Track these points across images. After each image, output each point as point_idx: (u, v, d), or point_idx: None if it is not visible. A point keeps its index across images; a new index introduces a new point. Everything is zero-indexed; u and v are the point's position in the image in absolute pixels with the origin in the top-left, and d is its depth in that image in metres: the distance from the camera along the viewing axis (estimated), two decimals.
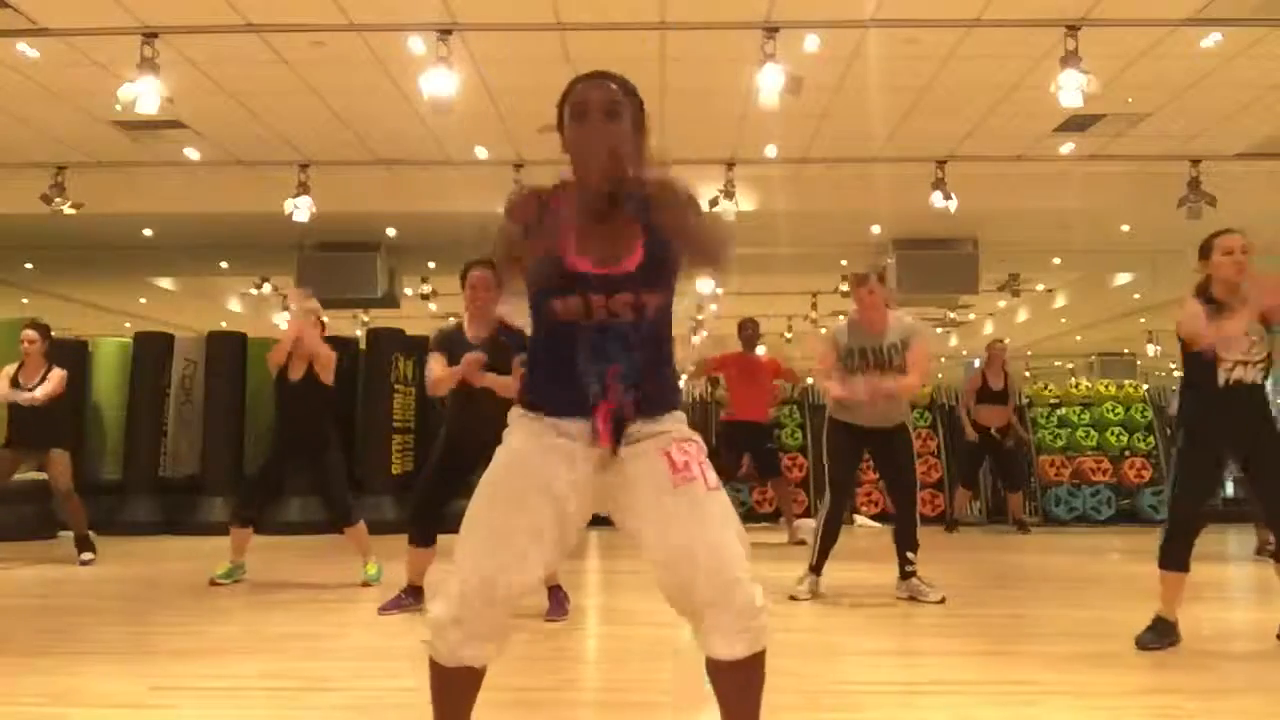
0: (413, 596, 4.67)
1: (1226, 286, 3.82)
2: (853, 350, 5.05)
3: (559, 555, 2.06)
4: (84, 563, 6.55)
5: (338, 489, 5.78)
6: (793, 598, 5.06)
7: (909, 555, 5.06)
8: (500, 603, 1.96)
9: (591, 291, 1.99)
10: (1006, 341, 10.34)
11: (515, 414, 2.10)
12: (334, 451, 5.82)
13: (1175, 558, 3.87)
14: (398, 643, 4.00)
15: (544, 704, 3.13)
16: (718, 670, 1.96)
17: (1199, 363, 3.87)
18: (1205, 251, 3.92)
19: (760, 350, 8.41)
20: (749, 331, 8.24)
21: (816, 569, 5.17)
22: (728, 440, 8.44)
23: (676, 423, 2.07)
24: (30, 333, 6.69)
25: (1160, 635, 3.86)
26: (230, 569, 5.61)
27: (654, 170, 2.04)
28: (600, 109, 2.02)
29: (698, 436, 2.09)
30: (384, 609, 4.67)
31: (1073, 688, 3.27)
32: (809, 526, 9.76)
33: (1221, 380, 3.80)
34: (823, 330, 5.41)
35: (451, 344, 4.47)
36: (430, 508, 4.58)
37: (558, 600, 4.59)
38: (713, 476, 2.02)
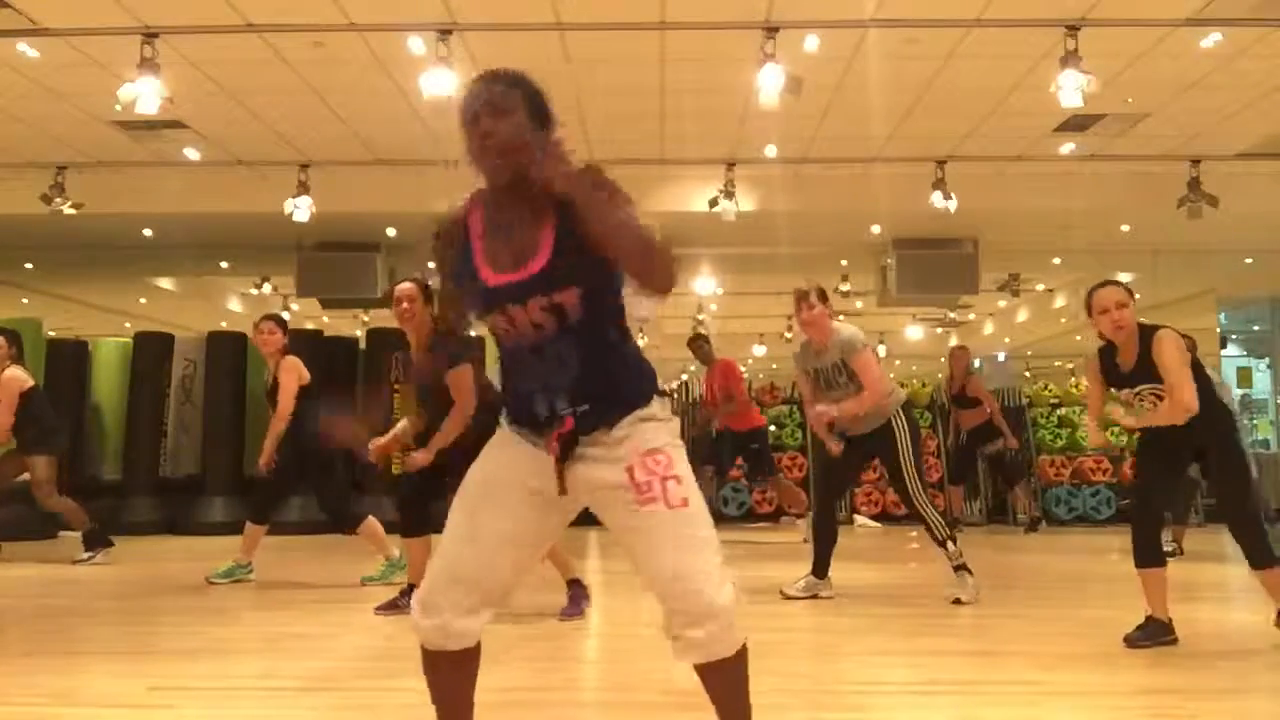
0: (409, 597, 4.68)
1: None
2: (807, 371, 5.07)
3: (537, 540, 2.09)
4: (82, 561, 6.57)
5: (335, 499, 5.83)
6: (783, 593, 5.06)
7: (948, 547, 5.01)
8: (463, 580, 2.00)
9: (508, 303, 1.95)
10: (969, 347, 10.34)
11: (502, 424, 2.12)
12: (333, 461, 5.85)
13: (1147, 554, 3.91)
14: (398, 643, 4.00)
15: (544, 704, 3.13)
16: (700, 673, 2.00)
17: None
18: (1089, 309, 3.92)
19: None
20: (703, 348, 8.35)
21: (815, 571, 5.17)
22: (717, 451, 8.60)
23: (641, 423, 1.98)
24: None
25: (1150, 634, 3.86)
26: (232, 567, 5.62)
27: (558, 164, 1.91)
28: (485, 108, 1.97)
29: (668, 434, 2.01)
30: (380, 609, 4.68)
31: (1073, 688, 3.27)
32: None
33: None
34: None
35: (403, 365, 4.59)
36: (415, 503, 4.67)
37: (575, 598, 4.59)
38: (676, 492, 1.93)
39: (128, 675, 3.46)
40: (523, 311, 1.93)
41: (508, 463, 2.04)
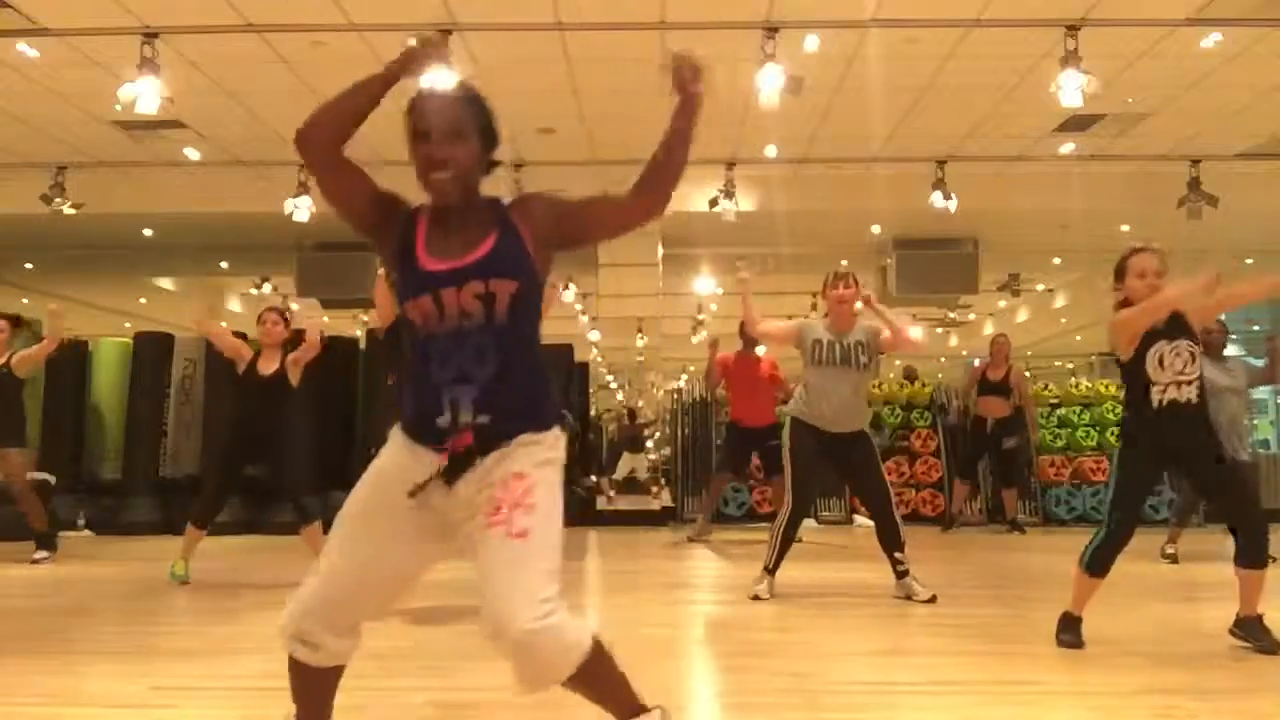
0: None
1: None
2: (806, 338, 5.10)
3: (421, 561, 2.11)
4: (35, 560, 6.55)
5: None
6: (755, 597, 5.05)
7: (897, 556, 5.07)
8: (342, 604, 2.06)
9: (442, 288, 1.98)
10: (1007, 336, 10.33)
11: (393, 434, 2.12)
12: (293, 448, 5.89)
13: (1103, 563, 3.94)
14: (398, 643, 3.99)
15: (544, 704, 3.11)
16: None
17: (1135, 382, 3.89)
18: (1120, 274, 3.94)
19: (760, 350, 8.40)
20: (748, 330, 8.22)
21: (772, 570, 5.12)
22: (736, 444, 8.40)
23: (522, 446, 2.00)
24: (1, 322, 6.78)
25: (1078, 633, 3.90)
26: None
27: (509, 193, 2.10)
28: (443, 131, 2.04)
29: (543, 458, 2.01)
30: None
31: (1073, 688, 3.27)
32: (809, 525, 9.79)
33: (1155, 402, 3.80)
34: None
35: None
36: None
37: None
38: (520, 522, 1.91)
39: (128, 675, 3.46)
40: (455, 295, 1.97)
41: (391, 483, 2.03)
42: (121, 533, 8.66)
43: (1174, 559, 6.74)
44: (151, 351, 9.70)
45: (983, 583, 6.05)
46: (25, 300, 14.70)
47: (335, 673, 2.16)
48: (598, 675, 1.97)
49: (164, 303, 16.20)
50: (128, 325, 15.72)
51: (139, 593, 5.67)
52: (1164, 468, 4.02)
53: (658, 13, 6.86)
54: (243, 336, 10.00)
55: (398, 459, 2.06)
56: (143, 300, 16.21)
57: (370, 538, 2.02)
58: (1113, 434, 10.45)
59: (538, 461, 1.99)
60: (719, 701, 3.33)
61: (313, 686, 2.17)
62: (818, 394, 5.08)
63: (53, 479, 8.30)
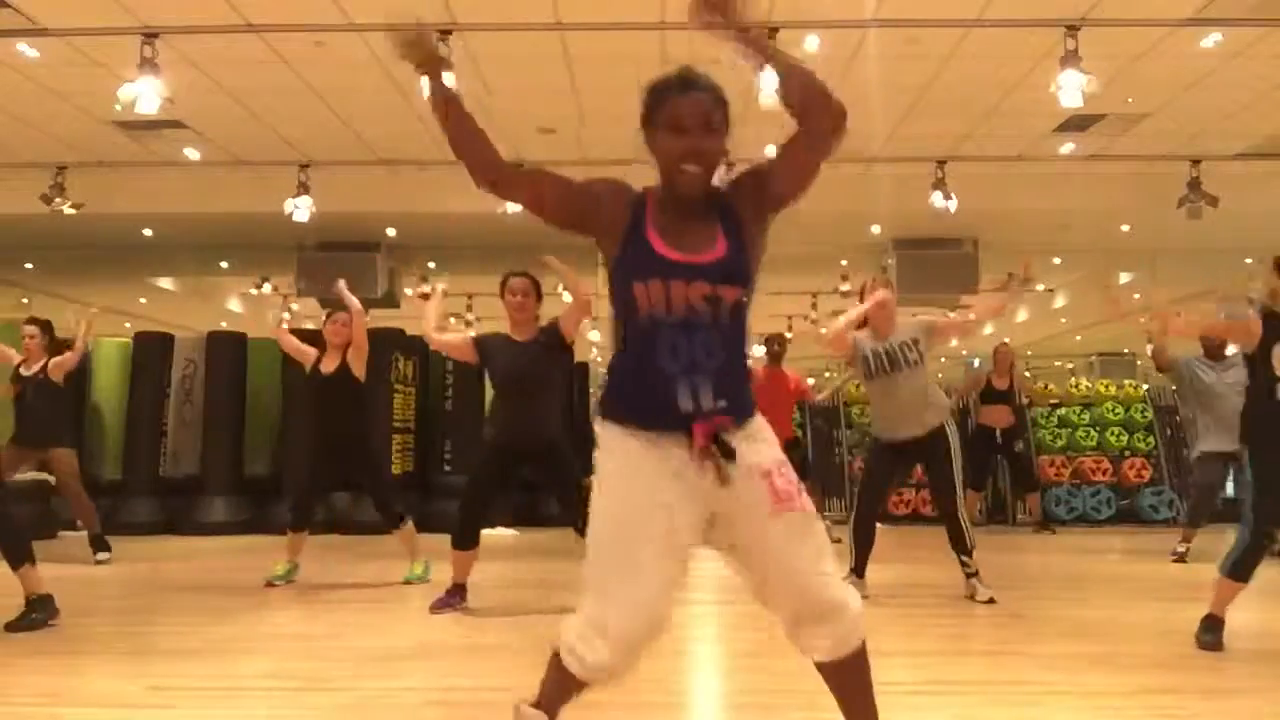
0: (459, 595, 4.75)
1: None
2: (863, 355, 5.09)
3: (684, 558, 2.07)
4: (99, 561, 6.66)
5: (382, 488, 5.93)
6: None
7: (964, 559, 5.11)
8: (646, 637, 2.02)
9: (674, 279, 1.99)
10: (1008, 341, 10.35)
11: (601, 426, 2.10)
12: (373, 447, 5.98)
13: (1249, 569, 3.81)
14: (398, 643, 4.00)
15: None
16: (828, 671, 2.09)
17: (1259, 371, 3.84)
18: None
19: (759, 350, 8.40)
20: (776, 347, 8.24)
21: (858, 571, 5.16)
22: None
23: (762, 430, 2.10)
24: (30, 328, 6.82)
25: (1219, 635, 3.81)
26: (289, 569, 5.65)
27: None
28: (709, 122, 2.11)
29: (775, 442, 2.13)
30: (435, 607, 4.69)
31: (1074, 688, 3.27)
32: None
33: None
34: (822, 330, 5.45)
35: (491, 348, 4.65)
36: (477, 512, 4.75)
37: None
38: (809, 502, 2.05)
39: (128, 675, 3.46)
40: (684, 289, 1.99)
41: (646, 489, 2.00)
42: (121, 533, 8.64)
43: (1182, 558, 6.73)
44: (151, 351, 9.71)
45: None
46: (25, 300, 14.71)
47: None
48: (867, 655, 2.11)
49: (164, 303, 16.20)
50: (128, 325, 15.73)
51: (139, 593, 5.67)
52: None
53: (658, 13, 6.86)
54: (243, 337, 10.10)
55: (635, 459, 2.02)
56: (143, 300, 16.20)
57: (651, 553, 1.98)
58: (1113, 434, 10.46)
59: (777, 448, 2.10)
60: (719, 701, 3.33)
61: (571, 691, 2.15)
62: (876, 406, 5.21)
63: (53, 479, 8.31)
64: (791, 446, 8.32)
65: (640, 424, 2.03)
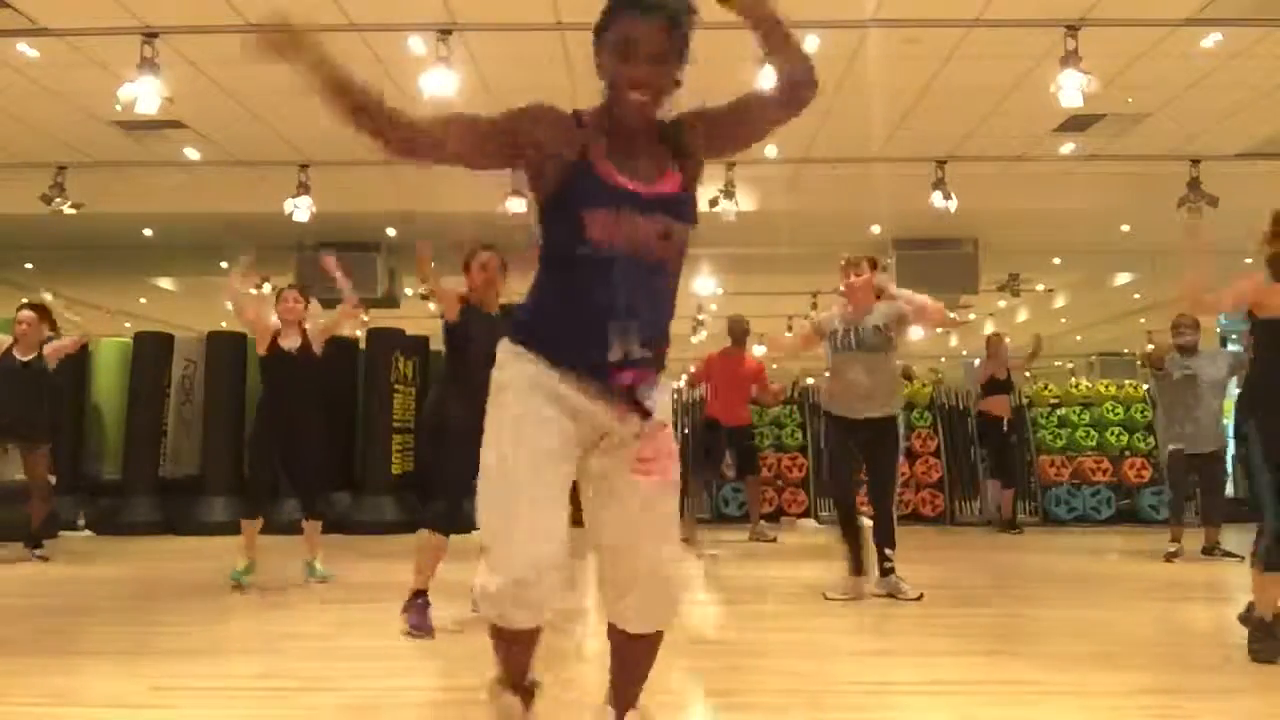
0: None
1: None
2: (822, 331, 5.16)
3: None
4: (39, 557, 6.64)
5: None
6: (825, 595, 5.06)
7: (887, 552, 5.07)
8: (545, 578, 1.93)
9: (628, 208, 1.91)
10: (1007, 338, 10.36)
11: (510, 350, 2.00)
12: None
13: None
14: (398, 643, 3.99)
15: (544, 704, 3.12)
16: (621, 640, 2.11)
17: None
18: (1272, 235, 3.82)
19: (759, 350, 8.41)
20: (739, 329, 8.25)
21: (854, 570, 5.14)
22: (713, 442, 8.42)
23: (664, 390, 2.06)
24: (27, 314, 6.76)
25: (1272, 640, 3.63)
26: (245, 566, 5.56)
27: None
28: (672, 44, 1.99)
29: (670, 406, 2.09)
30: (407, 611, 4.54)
31: (1073, 688, 3.27)
32: (811, 526, 9.80)
33: None
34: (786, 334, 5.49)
35: (472, 315, 4.54)
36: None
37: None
38: (674, 471, 2.01)
39: (128, 675, 3.46)
40: (637, 221, 1.90)
41: (542, 420, 1.93)
42: (121, 533, 8.66)
43: (1174, 556, 6.75)
44: (151, 351, 9.70)
45: (983, 583, 6.05)
46: (25, 300, 14.72)
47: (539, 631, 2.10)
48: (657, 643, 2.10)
49: (164, 303, 16.20)
50: (128, 325, 15.73)
51: (139, 593, 5.66)
52: None
53: None
54: (243, 337, 10.08)
55: (536, 395, 1.94)
56: (143, 300, 16.21)
57: (552, 481, 1.94)
58: (1113, 434, 10.46)
59: (669, 411, 2.06)
60: (719, 701, 3.33)
61: (521, 647, 2.16)
62: (834, 379, 5.17)
63: (53, 479, 8.30)
64: (743, 433, 8.34)
65: (554, 360, 1.94)
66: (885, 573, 5.05)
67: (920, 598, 4.92)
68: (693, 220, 1.98)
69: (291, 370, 5.66)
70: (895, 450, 5.09)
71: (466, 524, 3.78)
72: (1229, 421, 4.70)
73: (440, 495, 4.29)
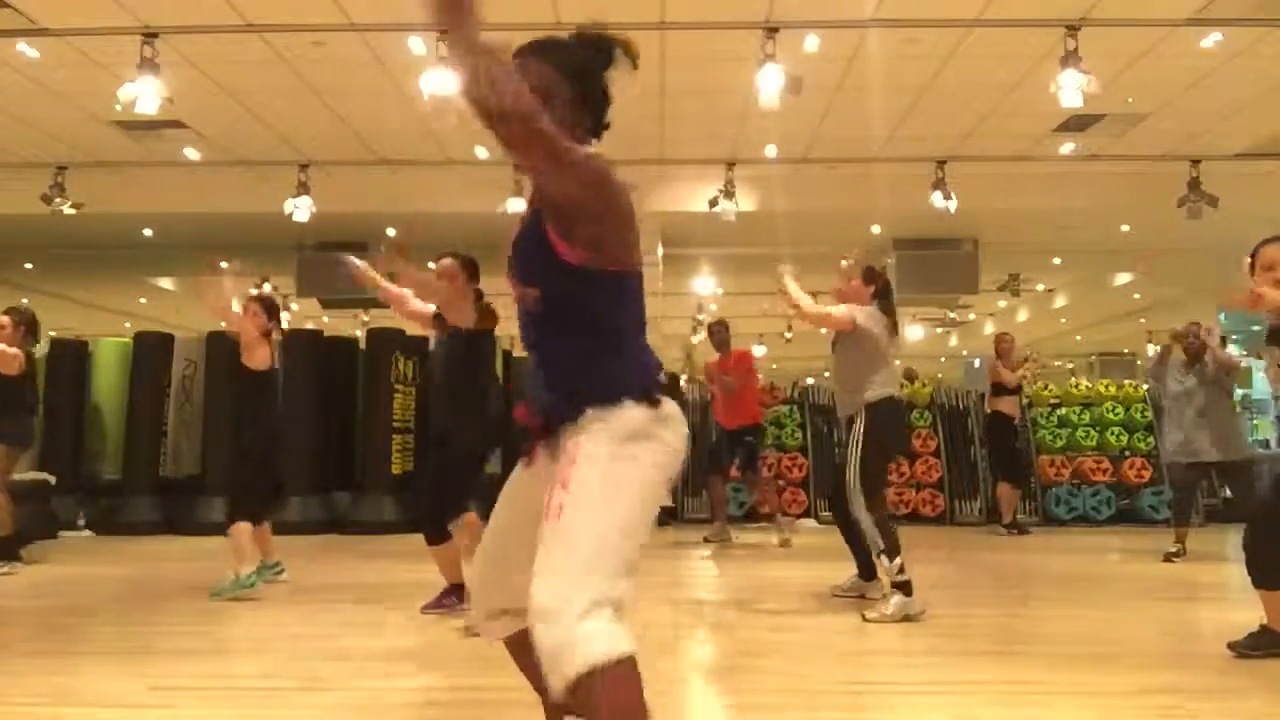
0: (456, 595, 4.49)
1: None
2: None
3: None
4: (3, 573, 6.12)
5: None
6: (833, 590, 5.06)
7: (883, 561, 5.02)
8: (482, 587, 2.03)
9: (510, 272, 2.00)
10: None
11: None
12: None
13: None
14: (398, 643, 4.00)
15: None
16: (509, 645, 2.07)
17: None
18: (1251, 266, 3.85)
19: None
20: (718, 336, 8.30)
21: (862, 575, 5.11)
22: (717, 445, 8.54)
23: (593, 423, 1.81)
24: (2, 319, 6.50)
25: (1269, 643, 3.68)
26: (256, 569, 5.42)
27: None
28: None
29: (602, 435, 1.79)
30: (426, 608, 4.58)
31: (1073, 688, 3.27)
32: (810, 527, 9.80)
33: None
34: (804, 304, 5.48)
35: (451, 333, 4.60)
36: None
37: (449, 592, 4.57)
38: (556, 499, 1.75)
39: (128, 675, 3.46)
40: (515, 284, 1.98)
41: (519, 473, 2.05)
42: (121, 533, 8.66)
43: (1174, 557, 6.74)
44: (151, 351, 9.70)
45: (983, 583, 6.05)
46: (25, 300, 14.72)
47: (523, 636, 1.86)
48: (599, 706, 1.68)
49: (164, 303, 16.20)
50: (128, 325, 15.74)
51: (139, 593, 5.66)
52: None
53: (658, 13, 6.86)
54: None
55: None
56: (143, 300, 16.21)
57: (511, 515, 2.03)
58: (1113, 434, 10.46)
59: (592, 435, 1.79)
60: (719, 701, 3.33)
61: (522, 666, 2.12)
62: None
63: (53, 479, 8.31)
64: (744, 433, 8.33)
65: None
66: (893, 586, 4.99)
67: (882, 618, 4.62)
68: (536, 284, 1.97)
69: (269, 385, 5.53)
70: (850, 444, 4.83)
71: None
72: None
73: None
